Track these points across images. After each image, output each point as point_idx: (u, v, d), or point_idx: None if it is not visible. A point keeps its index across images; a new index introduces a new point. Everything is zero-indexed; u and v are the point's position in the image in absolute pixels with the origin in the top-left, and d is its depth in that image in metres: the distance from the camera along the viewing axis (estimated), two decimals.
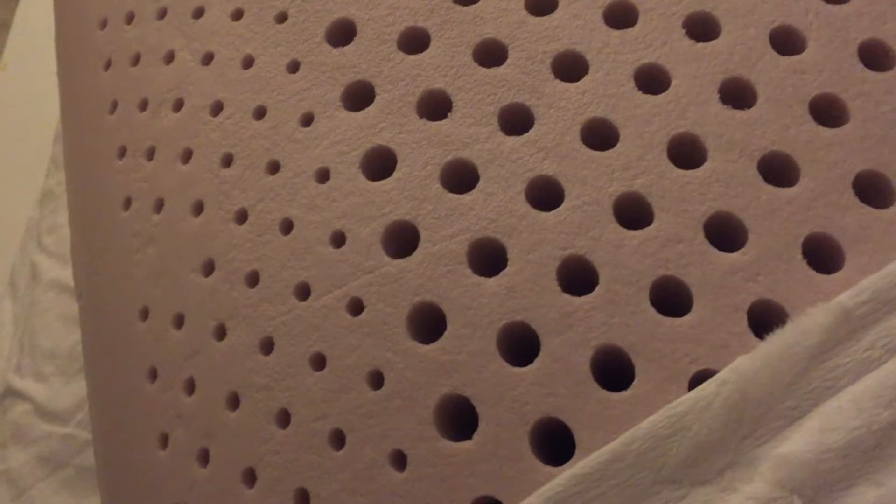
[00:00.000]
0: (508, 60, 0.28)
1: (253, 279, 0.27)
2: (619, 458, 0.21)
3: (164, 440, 0.28)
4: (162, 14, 0.33)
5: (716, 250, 0.24)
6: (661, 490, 0.21)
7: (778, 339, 0.22)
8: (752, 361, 0.22)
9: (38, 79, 0.54)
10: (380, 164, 0.27)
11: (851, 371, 0.22)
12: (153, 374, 0.29)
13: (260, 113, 0.29)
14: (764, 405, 0.21)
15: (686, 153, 0.26)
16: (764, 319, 0.23)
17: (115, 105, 0.33)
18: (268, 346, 0.27)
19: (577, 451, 0.23)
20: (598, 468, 0.22)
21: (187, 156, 0.30)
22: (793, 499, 0.20)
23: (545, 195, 0.26)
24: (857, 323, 0.22)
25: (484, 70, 0.28)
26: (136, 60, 0.33)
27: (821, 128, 0.25)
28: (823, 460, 0.20)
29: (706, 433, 0.21)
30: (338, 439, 0.25)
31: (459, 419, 0.24)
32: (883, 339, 0.22)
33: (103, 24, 0.35)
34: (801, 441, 0.21)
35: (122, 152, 0.32)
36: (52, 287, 0.50)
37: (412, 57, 0.28)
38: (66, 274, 0.46)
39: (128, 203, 0.31)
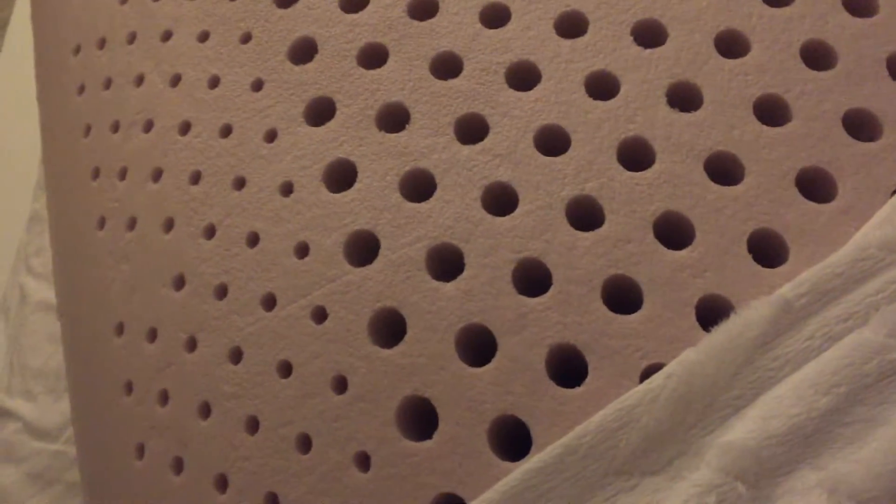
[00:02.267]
0: (464, 72, 0.29)
1: (222, 292, 0.28)
2: (572, 451, 0.22)
3: (141, 451, 0.29)
4: (132, 38, 0.34)
5: (664, 248, 0.25)
6: (612, 481, 0.22)
7: (722, 332, 0.23)
8: (697, 354, 0.22)
9: (25, 105, 0.54)
10: (341, 177, 0.28)
11: (792, 360, 0.22)
12: (129, 388, 0.29)
13: (226, 131, 0.30)
14: (709, 396, 0.22)
15: (635, 156, 0.26)
16: (712, 314, 0.24)
17: (88, 128, 0.34)
18: (237, 356, 0.27)
19: (533, 447, 0.23)
20: (552, 462, 0.22)
21: (157, 175, 0.31)
22: (736, 485, 0.21)
23: (501, 201, 0.27)
24: (798, 314, 0.23)
25: (440, 82, 0.29)
26: (107, 84, 0.34)
27: (764, 127, 0.26)
28: (765, 447, 0.21)
29: (654, 425, 0.22)
30: (304, 443, 0.26)
31: (421, 420, 0.25)
32: (822, 328, 0.22)
33: (77, 50, 0.36)
34: (744, 429, 0.22)
35: (96, 173, 0.33)
36: (39, 308, 0.51)
37: (371, 72, 0.29)
38: (52, 295, 0.47)
39: (102, 222, 0.32)
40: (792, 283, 0.23)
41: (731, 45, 0.27)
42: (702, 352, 0.23)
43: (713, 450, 0.22)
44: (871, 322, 0.22)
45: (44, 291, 0.51)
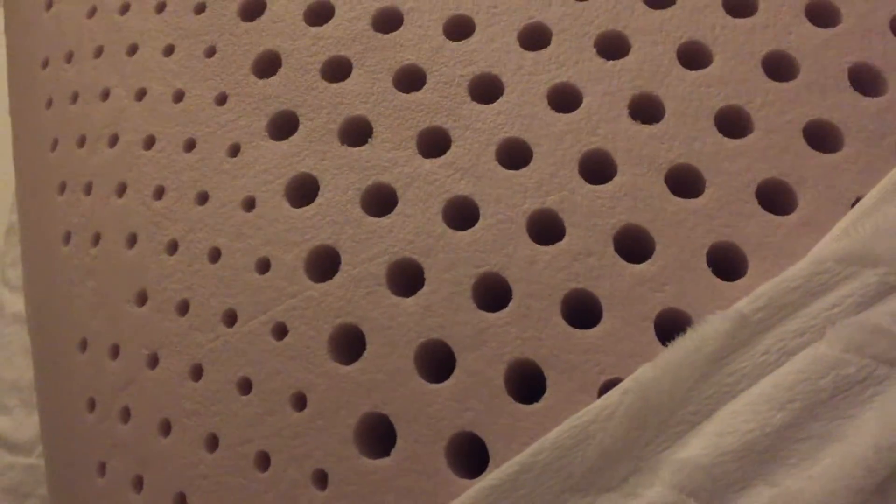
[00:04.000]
0: (427, 85, 0.28)
1: (183, 308, 0.28)
2: (527, 469, 0.22)
3: (103, 469, 0.28)
4: (98, 52, 0.34)
5: (624, 262, 0.25)
6: (568, 498, 0.22)
7: (678, 347, 0.23)
8: (653, 370, 0.22)
9: (3, 116, 0.54)
10: (303, 191, 0.28)
11: (749, 375, 0.22)
12: (91, 405, 0.29)
13: (190, 145, 0.30)
14: (665, 411, 0.22)
15: (597, 168, 0.26)
16: (671, 327, 0.24)
17: (55, 142, 0.34)
18: (197, 373, 0.27)
19: (490, 464, 0.23)
20: (507, 479, 0.22)
21: (122, 190, 0.31)
22: (689, 502, 0.21)
23: (462, 215, 0.26)
24: (755, 328, 0.22)
25: (403, 95, 0.28)
26: (74, 98, 0.34)
27: (725, 139, 0.26)
28: (718, 463, 0.21)
29: (610, 441, 0.22)
30: (263, 461, 0.25)
31: (380, 436, 0.25)
32: (778, 342, 0.22)
33: (45, 64, 0.36)
34: (699, 445, 0.21)
35: (63, 188, 0.33)
36: (15, 320, 0.50)
37: (334, 85, 0.29)
38: None
39: (67, 238, 0.32)
40: (749, 297, 0.23)
41: (693, 57, 0.27)
42: (658, 367, 0.22)
43: (667, 466, 0.21)
44: (826, 336, 0.22)
45: (20, 304, 0.50)
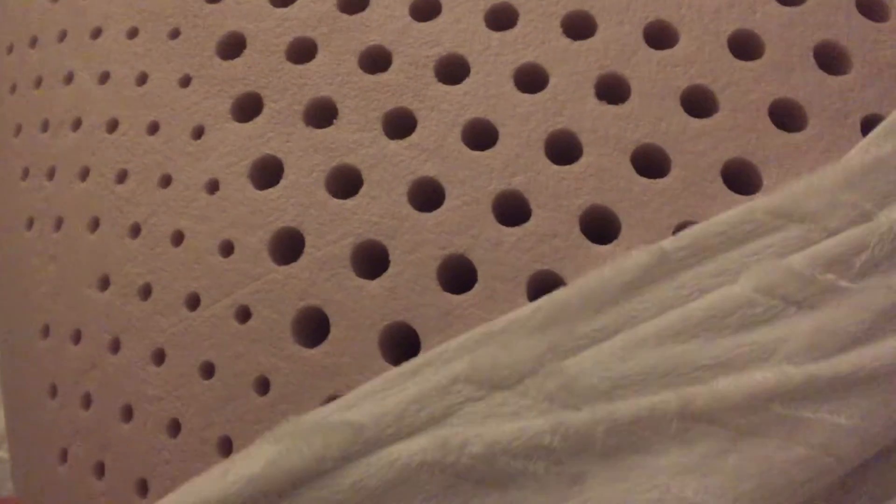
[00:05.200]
0: (393, 66, 0.28)
1: (146, 292, 0.28)
2: (430, 362, 0.23)
3: (64, 455, 0.28)
4: (62, 36, 0.34)
5: (590, 243, 0.25)
6: (462, 388, 0.22)
7: (595, 275, 0.23)
8: (567, 292, 0.23)
9: None
10: (268, 173, 0.28)
11: (658, 305, 0.23)
12: (53, 391, 0.29)
13: (153, 128, 0.30)
14: (570, 325, 0.23)
15: (563, 149, 0.26)
16: None
17: (19, 128, 0.34)
18: (159, 358, 0.27)
19: None
20: (410, 370, 0.23)
21: (84, 174, 0.30)
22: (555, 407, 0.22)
23: (428, 196, 0.26)
24: (673, 266, 0.23)
25: (369, 76, 0.28)
26: (38, 83, 0.34)
27: (691, 119, 0.26)
28: (602, 377, 0.22)
29: (512, 347, 0.22)
30: (225, 446, 0.25)
31: None
32: (693, 280, 0.23)
33: (10, 49, 0.36)
34: (591, 358, 0.22)
35: (26, 173, 0.32)
36: None
37: (299, 66, 0.29)
38: None
39: (30, 223, 0.32)
40: (674, 237, 0.23)
41: (660, 36, 0.27)
42: (572, 291, 0.23)
43: (556, 375, 0.22)
44: (740, 278, 0.22)
45: None
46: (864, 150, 0.24)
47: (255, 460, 0.22)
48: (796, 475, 0.21)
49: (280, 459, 0.21)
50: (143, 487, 0.26)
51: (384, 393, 0.23)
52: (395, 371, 0.23)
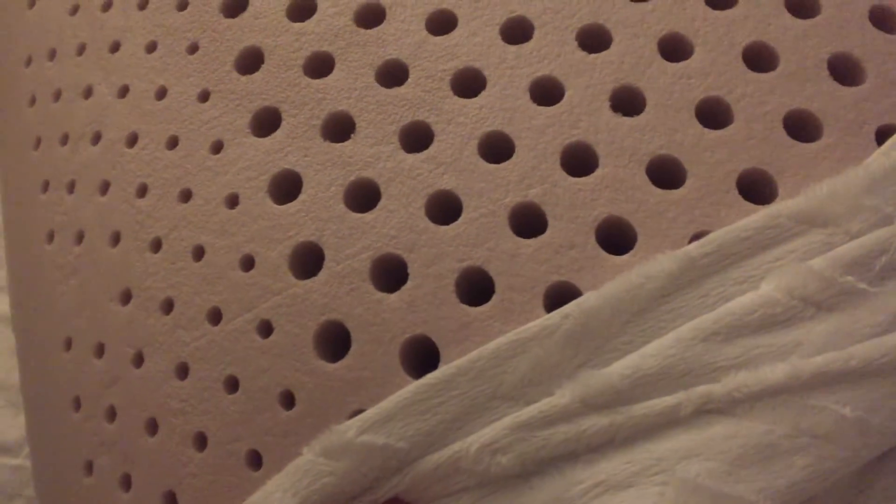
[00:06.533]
0: (409, 80, 0.28)
1: (168, 306, 0.28)
2: (464, 372, 0.23)
3: (90, 467, 0.28)
4: (81, 50, 0.34)
5: (606, 254, 0.25)
6: (498, 405, 0.23)
7: (624, 281, 0.23)
8: (596, 299, 0.23)
9: None
10: (286, 188, 0.28)
11: (684, 315, 0.23)
12: (77, 404, 0.29)
13: (173, 142, 0.30)
14: (600, 338, 0.23)
15: (579, 161, 0.26)
16: None
17: (38, 141, 0.34)
18: (183, 372, 0.27)
19: None
20: (444, 379, 0.23)
21: (105, 187, 0.31)
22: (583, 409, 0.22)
23: (445, 209, 0.26)
24: (700, 272, 0.23)
25: (386, 90, 0.28)
26: (57, 96, 0.34)
27: (706, 130, 0.26)
28: (631, 383, 0.22)
29: (544, 357, 0.23)
30: (254, 460, 0.25)
31: None
32: (718, 287, 0.23)
33: (28, 62, 0.36)
34: (620, 365, 0.23)
35: (46, 187, 0.33)
36: (0, 320, 0.50)
37: (317, 81, 0.29)
38: None
39: (51, 236, 0.32)
40: (698, 242, 0.24)
41: (674, 49, 0.27)
42: (601, 297, 0.23)
43: (582, 381, 0.23)
44: (762, 284, 0.23)
45: (5, 304, 0.50)
46: (885, 155, 0.24)
47: None
48: (797, 460, 0.21)
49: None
50: (171, 500, 0.26)
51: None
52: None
